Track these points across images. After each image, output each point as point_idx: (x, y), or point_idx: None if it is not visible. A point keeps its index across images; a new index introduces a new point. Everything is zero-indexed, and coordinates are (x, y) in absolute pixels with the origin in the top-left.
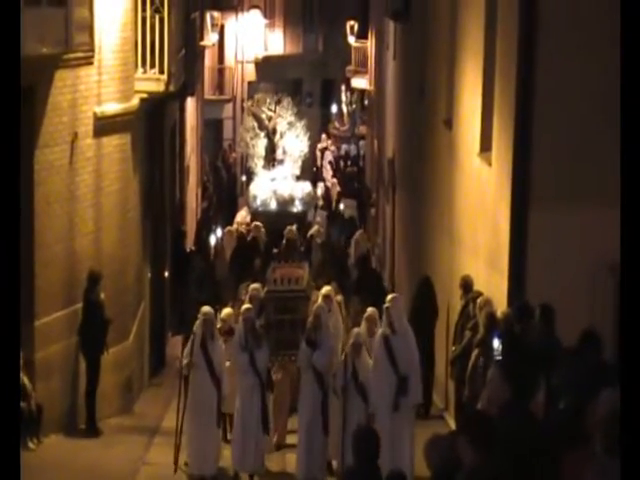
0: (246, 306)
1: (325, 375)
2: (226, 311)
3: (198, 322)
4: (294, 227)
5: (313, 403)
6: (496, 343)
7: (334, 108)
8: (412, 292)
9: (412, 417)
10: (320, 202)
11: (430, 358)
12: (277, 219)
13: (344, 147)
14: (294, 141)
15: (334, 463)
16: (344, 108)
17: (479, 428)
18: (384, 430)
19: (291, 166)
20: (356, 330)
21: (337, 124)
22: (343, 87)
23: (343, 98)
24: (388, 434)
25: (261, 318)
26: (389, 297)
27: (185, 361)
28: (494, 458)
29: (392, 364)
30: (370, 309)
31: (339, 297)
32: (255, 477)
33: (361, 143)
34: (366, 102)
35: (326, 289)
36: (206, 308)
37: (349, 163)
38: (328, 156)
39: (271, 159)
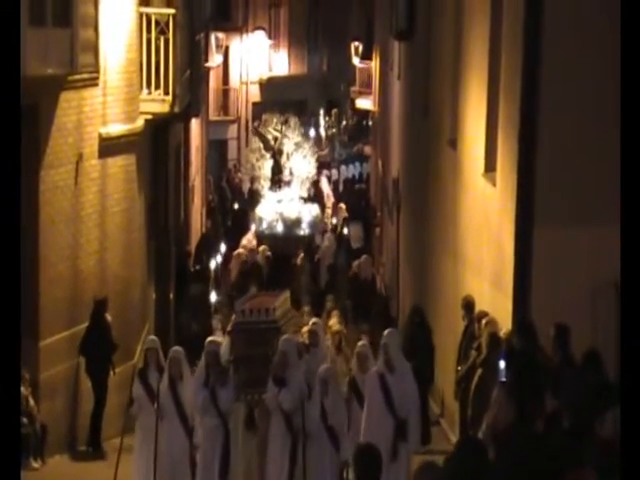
0: (210, 338)
1: (294, 417)
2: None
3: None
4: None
5: (281, 447)
6: (501, 364)
7: (312, 132)
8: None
9: (409, 463)
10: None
11: (424, 396)
12: (284, 242)
13: (325, 172)
14: (301, 162)
15: None
16: (322, 132)
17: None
18: None
19: (298, 188)
20: (324, 366)
21: (315, 148)
22: (322, 111)
23: (322, 122)
24: None
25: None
26: (385, 332)
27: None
28: None
29: (389, 406)
30: (360, 344)
31: (338, 327)
32: None
33: (342, 168)
34: (343, 124)
35: (312, 322)
36: (175, 348)
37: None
38: (325, 182)
39: (277, 180)
